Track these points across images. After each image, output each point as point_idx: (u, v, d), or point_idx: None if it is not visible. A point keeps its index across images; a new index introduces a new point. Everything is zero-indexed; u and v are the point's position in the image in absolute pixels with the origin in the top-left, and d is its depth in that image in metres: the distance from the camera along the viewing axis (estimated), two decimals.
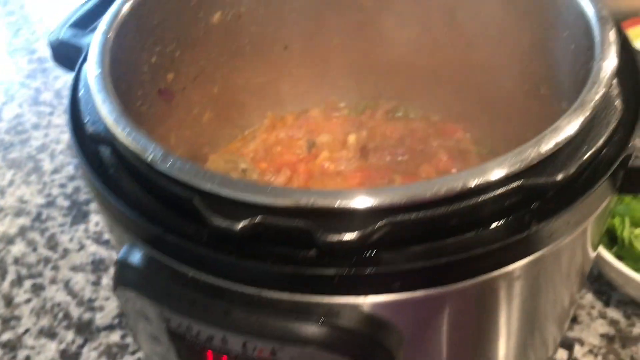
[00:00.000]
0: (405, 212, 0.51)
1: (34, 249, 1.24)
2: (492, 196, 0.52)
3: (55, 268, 1.23)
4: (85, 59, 0.71)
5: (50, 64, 1.53)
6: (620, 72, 0.62)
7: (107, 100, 0.61)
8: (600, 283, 1.07)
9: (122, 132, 0.57)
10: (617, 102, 0.60)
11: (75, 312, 1.14)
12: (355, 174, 0.99)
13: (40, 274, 1.20)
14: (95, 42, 0.70)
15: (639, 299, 1.01)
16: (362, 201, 0.50)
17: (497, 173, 0.51)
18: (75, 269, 1.22)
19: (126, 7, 0.75)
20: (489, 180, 0.51)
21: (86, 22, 0.81)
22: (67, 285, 1.19)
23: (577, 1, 0.69)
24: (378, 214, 0.50)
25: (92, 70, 0.65)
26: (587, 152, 0.56)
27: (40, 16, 1.95)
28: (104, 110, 0.60)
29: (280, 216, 0.51)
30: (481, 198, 0.52)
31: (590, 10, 0.67)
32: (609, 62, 0.59)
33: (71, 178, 1.39)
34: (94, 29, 0.78)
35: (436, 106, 1.06)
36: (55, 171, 1.44)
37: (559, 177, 0.53)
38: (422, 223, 0.52)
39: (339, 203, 0.50)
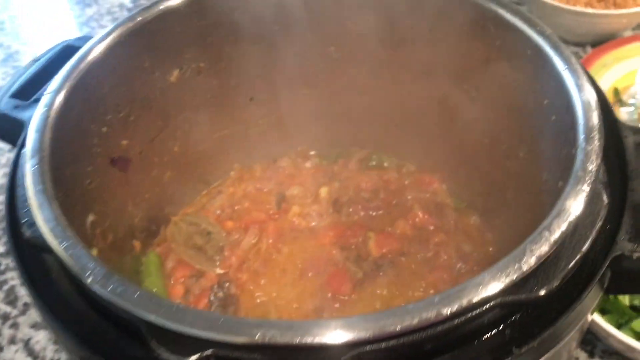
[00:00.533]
0: (374, 343, 0.46)
1: None
2: (469, 317, 0.48)
3: (15, 326, 1.16)
4: (24, 143, 0.64)
5: None
6: (605, 155, 0.58)
7: (45, 204, 0.55)
8: (585, 333, 1.03)
9: (59, 247, 0.51)
10: (604, 196, 0.56)
11: None
12: (328, 232, 0.93)
13: None
14: (34, 124, 0.63)
15: (623, 352, 0.98)
16: (326, 337, 0.45)
17: (473, 295, 0.46)
18: (36, 326, 1.16)
19: (72, 78, 0.69)
20: (464, 306, 0.46)
21: (28, 91, 0.75)
22: (27, 345, 1.12)
23: (559, 73, 0.64)
24: (344, 349, 0.45)
25: (28, 164, 0.59)
26: (572, 259, 0.51)
27: None
28: (40, 218, 0.54)
29: (235, 350, 0.46)
30: (456, 321, 0.47)
31: (571, 85, 0.63)
32: (593, 155, 0.54)
33: None
34: (37, 100, 0.72)
35: (411, 155, 1.01)
36: None
37: (542, 292, 0.49)
38: (394, 351, 0.47)
39: (299, 339, 0.44)
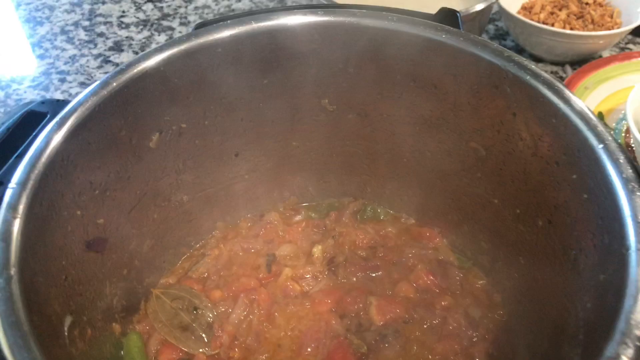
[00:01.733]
0: None
1: None
2: None
3: None
4: None
5: None
6: None
7: (19, 344, 0.46)
8: None
9: None
10: None
11: None
12: (325, 298, 0.86)
13: None
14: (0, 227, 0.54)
15: None
16: None
17: None
18: None
19: (39, 165, 0.59)
20: None
21: None
22: None
23: (594, 150, 0.58)
24: None
25: None
26: None
27: None
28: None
29: None
30: None
31: (610, 167, 0.57)
32: None
33: None
34: None
35: (408, 206, 0.95)
36: None
37: None
38: None
39: None
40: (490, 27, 1.61)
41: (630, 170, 0.56)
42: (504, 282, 0.84)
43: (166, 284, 0.87)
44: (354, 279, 0.88)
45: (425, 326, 0.82)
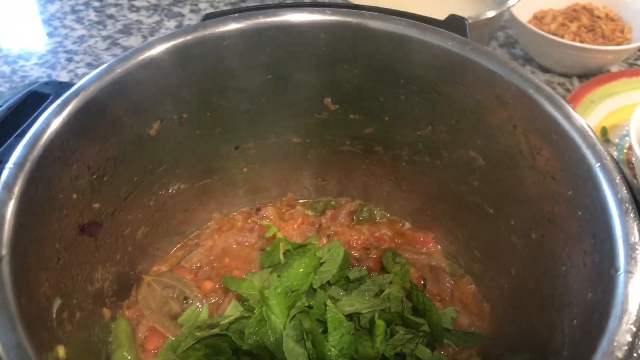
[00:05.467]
0: None
1: None
2: None
3: None
4: None
5: None
6: None
7: (6, 325, 0.46)
8: None
9: None
10: None
11: None
12: None
13: None
14: None
15: None
16: None
17: None
18: None
19: (38, 146, 0.60)
20: None
21: None
22: None
23: (591, 168, 0.59)
24: None
25: None
26: None
27: None
28: (1, 343, 0.45)
29: None
30: None
31: (605, 186, 0.57)
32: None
33: None
34: None
35: (404, 210, 0.95)
36: None
37: None
38: None
39: None
40: (500, 34, 1.61)
41: (625, 191, 0.56)
42: (494, 292, 0.84)
43: (158, 271, 0.87)
44: None
45: None
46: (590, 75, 1.45)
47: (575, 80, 1.48)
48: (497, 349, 0.78)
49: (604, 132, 1.34)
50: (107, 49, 1.51)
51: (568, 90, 1.44)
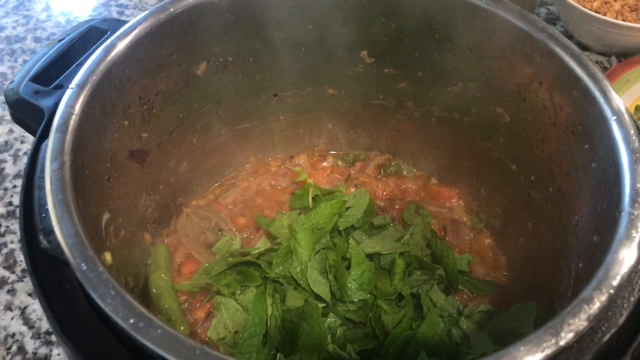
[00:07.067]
0: None
1: None
2: None
3: (12, 292, 1.14)
4: (45, 132, 0.62)
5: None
6: None
7: (65, 217, 0.53)
8: None
9: (79, 268, 0.49)
10: None
11: (31, 345, 1.06)
12: None
13: None
14: (56, 122, 0.60)
15: None
16: None
17: None
18: (33, 294, 1.13)
19: (97, 72, 0.66)
20: None
21: (49, 75, 0.72)
22: (23, 314, 1.10)
23: (607, 122, 0.62)
24: None
25: (49, 168, 0.56)
26: (607, 333, 0.50)
27: None
28: (60, 231, 0.52)
29: None
30: None
31: (619, 138, 0.60)
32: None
33: None
34: (58, 87, 0.69)
35: (431, 166, 0.99)
36: (19, 175, 1.33)
37: None
38: None
39: None
40: (542, 10, 1.61)
41: (637, 143, 0.59)
42: (511, 246, 0.88)
43: (197, 205, 0.94)
44: None
45: None
46: (630, 55, 1.45)
47: (614, 59, 1.48)
48: (508, 299, 0.83)
49: (638, 109, 1.34)
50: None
51: (605, 69, 1.44)
